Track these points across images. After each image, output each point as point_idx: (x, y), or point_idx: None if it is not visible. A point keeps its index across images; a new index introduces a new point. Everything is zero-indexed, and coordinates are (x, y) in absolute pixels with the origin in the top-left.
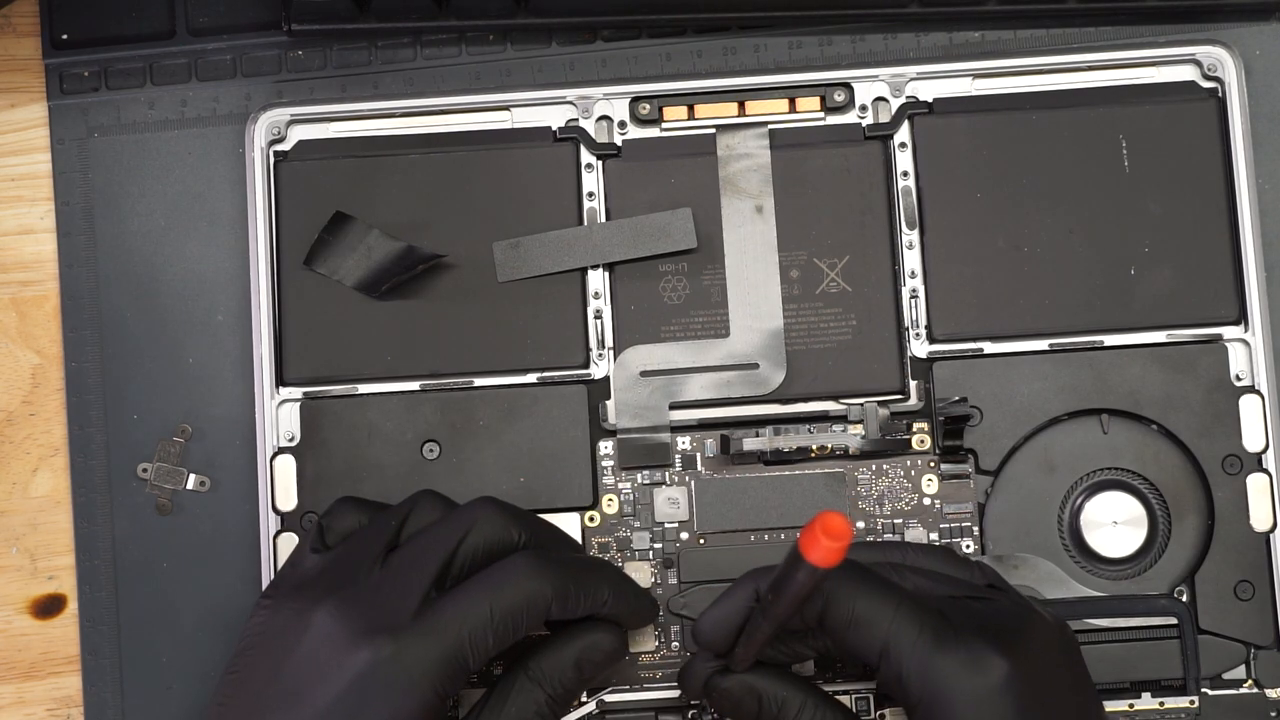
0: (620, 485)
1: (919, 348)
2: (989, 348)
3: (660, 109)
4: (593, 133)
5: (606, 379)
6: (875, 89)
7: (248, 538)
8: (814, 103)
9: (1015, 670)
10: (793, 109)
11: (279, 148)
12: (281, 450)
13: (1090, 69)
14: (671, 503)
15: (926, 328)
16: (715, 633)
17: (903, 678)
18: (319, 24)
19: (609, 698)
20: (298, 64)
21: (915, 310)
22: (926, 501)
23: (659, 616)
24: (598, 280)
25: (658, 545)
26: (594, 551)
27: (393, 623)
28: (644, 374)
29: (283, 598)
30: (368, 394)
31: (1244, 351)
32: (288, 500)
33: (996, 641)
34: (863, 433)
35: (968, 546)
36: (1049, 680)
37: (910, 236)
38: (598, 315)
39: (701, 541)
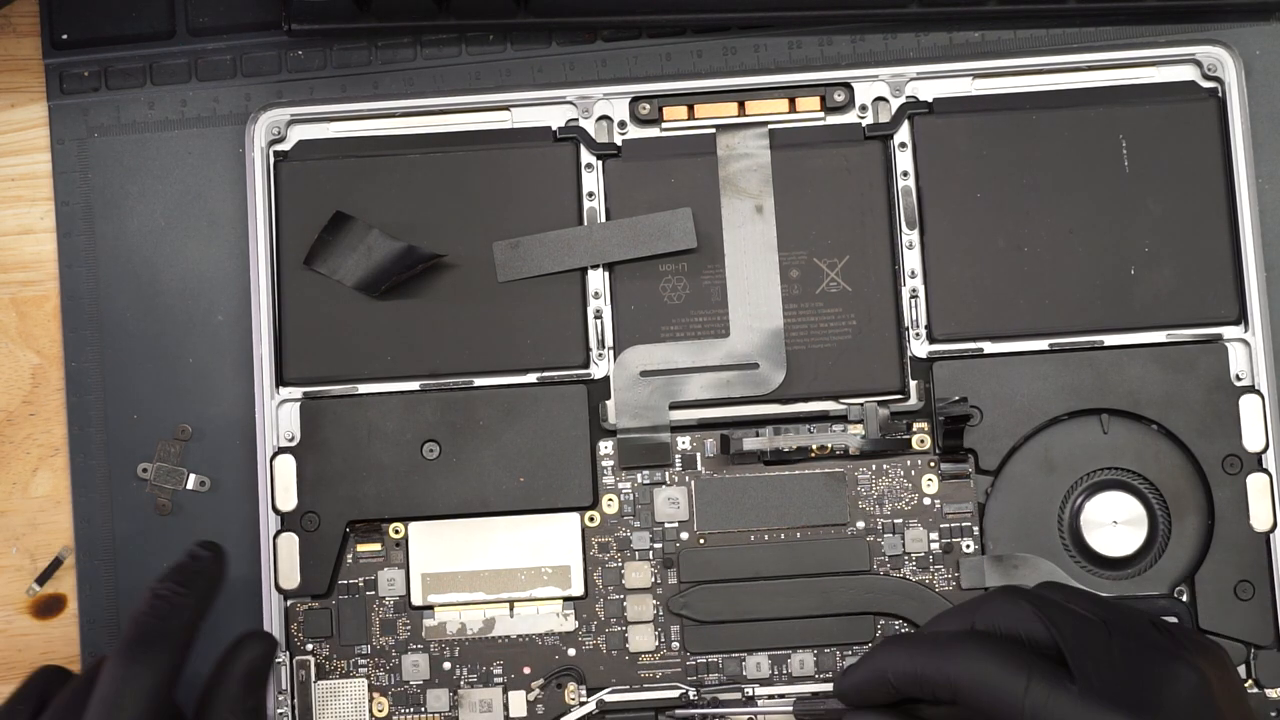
0: (620, 485)
1: (919, 348)
2: (989, 348)
3: (660, 109)
4: (593, 133)
5: (606, 379)
6: (875, 89)
7: (248, 538)
8: (814, 103)
9: None
10: (793, 109)
11: (279, 148)
12: (281, 450)
13: (1090, 69)
14: (671, 503)
15: (926, 328)
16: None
17: None
18: (319, 24)
19: (609, 697)
20: (298, 64)
21: (915, 310)
22: (926, 501)
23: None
24: (598, 280)
25: (658, 545)
26: (594, 552)
27: None
28: (644, 374)
29: None
30: (368, 394)
31: (1244, 351)
32: (288, 500)
33: (1131, 703)
34: (863, 433)
35: (968, 546)
36: None
37: (910, 236)
38: (598, 315)
39: (701, 541)
